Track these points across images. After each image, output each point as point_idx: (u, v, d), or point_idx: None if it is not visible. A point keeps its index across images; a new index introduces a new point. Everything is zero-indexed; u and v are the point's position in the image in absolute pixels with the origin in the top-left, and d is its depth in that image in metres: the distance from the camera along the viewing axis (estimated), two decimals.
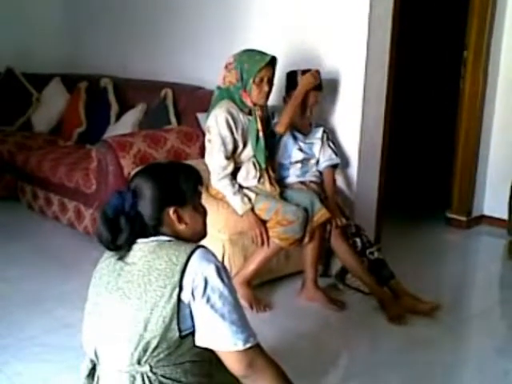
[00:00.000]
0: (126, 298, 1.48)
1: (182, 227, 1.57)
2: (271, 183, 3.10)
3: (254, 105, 3.03)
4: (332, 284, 3.21)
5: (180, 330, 1.44)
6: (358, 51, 3.39)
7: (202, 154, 3.46)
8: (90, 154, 3.73)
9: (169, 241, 1.54)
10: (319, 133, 3.38)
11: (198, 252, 1.49)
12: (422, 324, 2.81)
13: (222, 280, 1.45)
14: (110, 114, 4.50)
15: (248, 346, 1.46)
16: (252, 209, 2.97)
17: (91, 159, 3.66)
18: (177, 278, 1.44)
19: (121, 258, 1.55)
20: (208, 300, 1.43)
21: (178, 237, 1.57)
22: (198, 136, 3.79)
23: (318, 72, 3.21)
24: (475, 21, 4.06)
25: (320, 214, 2.95)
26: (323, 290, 3.04)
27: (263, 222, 2.96)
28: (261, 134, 3.05)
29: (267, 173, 3.11)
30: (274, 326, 2.75)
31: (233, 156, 3.02)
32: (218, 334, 1.43)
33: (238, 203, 2.98)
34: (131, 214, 1.52)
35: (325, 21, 3.52)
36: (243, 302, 2.90)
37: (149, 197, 1.53)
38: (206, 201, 3.06)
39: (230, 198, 3.00)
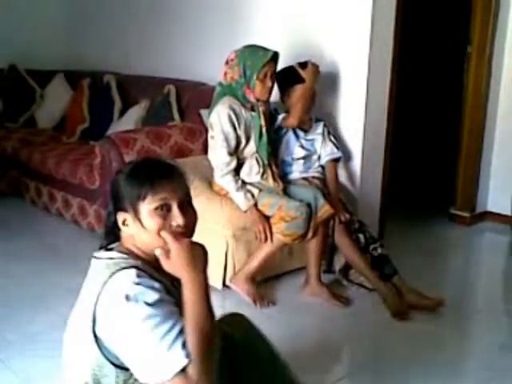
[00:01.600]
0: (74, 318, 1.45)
1: (128, 234, 1.44)
2: (274, 179, 3.10)
3: (257, 100, 3.03)
4: (335, 280, 3.21)
5: (111, 362, 1.33)
6: (360, 44, 3.38)
7: (205, 150, 3.46)
8: (93, 151, 3.74)
9: (114, 258, 1.41)
10: (320, 128, 3.37)
11: (116, 277, 1.33)
12: (426, 320, 2.81)
13: (136, 304, 1.28)
14: (113, 111, 4.50)
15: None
16: (255, 205, 2.98)
17: (95, 155, 3.66)
18: (92, 303, 1.34)
19: (93, 255, 1.48)
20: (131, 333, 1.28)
21: (135, 250, 1.44)
22: (201, 132, 3.79)
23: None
24: (479, 15, 4.04)
25: (323, 209, 2.95)
26: (327, 285, 3.04)
27: (266, 218, 2.96)
28: (264, 129, 3.05)
29: (270, 168, 3.11)
30: (278, 321, 2.76)
31: (236, 152, 3.02)
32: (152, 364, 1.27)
33: (241, 199, 2.98)
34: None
35: (327, 13, 3.51)
36: (247, 298, 2.90)
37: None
38: (209, 197, 3.10)
39: (234, 194, 3.00)
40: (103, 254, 1.45)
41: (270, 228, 2.93)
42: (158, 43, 4.74)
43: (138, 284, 1.30)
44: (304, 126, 3.33)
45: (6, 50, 5.24)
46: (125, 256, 1.42)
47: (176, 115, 4.06)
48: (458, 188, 4.33)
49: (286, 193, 3.08)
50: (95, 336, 1.32)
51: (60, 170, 4.02)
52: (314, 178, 3.32)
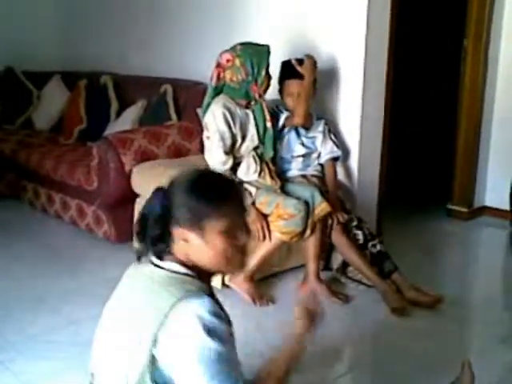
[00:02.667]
0: (121, 324, 1.38)
1: (189, 249, 1.40)
2: (272, 177, 3.11)
3: (260, 96, 3.05)
4: (334, 277, 3.21)
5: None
6: (356, 39, 3.38)
7: (202, 149, 3.45)
8: (90, 152, 3.74)
9: (176, 272, 1.38)
10: (321, 126, 3.38)
11: (188, 303, 1.29)
12: (425, 316, 2.82)
13: (213, 340, 1.25)
14: (110, 111, 4.50)
15: None
16: (253, 203, 2.98)
17: (92, 156, 3.66)
18: (153, 329, 1.27)
19: (139, 259, 1.44)
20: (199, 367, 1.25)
21: (192, 262, 1.41)
22: (198, 131, 3.78)
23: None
24: (474, 8, 4.05)
25: (321, 207, 2.96)
26: (326, 283, 3.05)
27: (264, 216, 2.96)
28: (269, 124, 3.07)
29: (268, 166, 3.12)
30: (277, 319, 2.76)
31: (232, 151, 3.03)
32: None
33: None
34: (159, 217, 1.40)
35: (323, 11, 3.51)
36: (246, 297, 2.91)
37: (171, 207, 1.40)
38: None
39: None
40: (161, 262, 1.41)
41: (268, 226, 2.94)
42: (154, 43, 4.74)
43: (213, 316, 1.28)
44: (305, 124, 3.33)
45: (2, 52, 5.24)
46: (187, 272, 1.39)
47: (173, 115, 4.06)
48: (456, 183, 4.34)
49: (283, 191, 3.08)
50: (152, 356, 1.28)
51: (58, 171, 4.01)
52: (312, 176, 3.32)
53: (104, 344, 1.42)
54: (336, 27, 3.47)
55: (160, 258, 1.43)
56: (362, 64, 3.38)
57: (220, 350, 1.25)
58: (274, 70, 3.18)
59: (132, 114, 4.28)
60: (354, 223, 3.13)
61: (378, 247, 3.09)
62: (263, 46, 3.04)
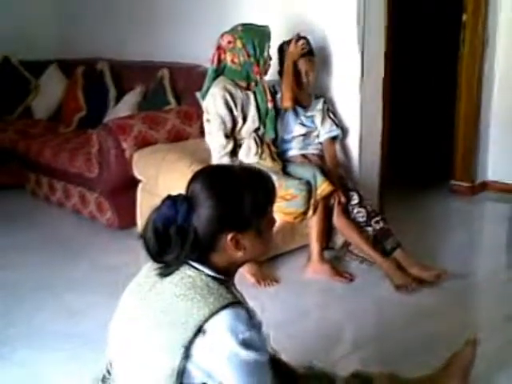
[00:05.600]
0: (148, 322, 1.31)
1: (238, 254, 1.34)
2: (273, 158, 3.10)
3: (261, 77, 3.05)
4: (337, 256, 3.22)
5: None
6: (352, 18, 3.34)
7: (202, 133, 3.45)
8: (90, 139, 3.73)
9: (211, 277, 1.31)
10: (320, 104, 3.36)
11: (225, 314, 1.24)
12: (429, 292, 2.82)
13: (246, 355, 1.22)
14: (108, 98, 4.49)
15: None
16: None
17: (92, 143, 3.66)
18: (187, 338, 1.23)
19: (161, 275, 1.34)
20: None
21: (229, 265, 1.37)
22: (198, 115, 3.76)
23: (302, 38, 3.20)
24: None
25: (323, 186, 2.96)
26: (329, 262, 3.05)
27: None
28: (270, 104, 3.06)
29: (268, 148, 3.11)
30: (281, 300, 2.77)
31: (232, 134, 3.02)
32: None
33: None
34: (184, 227, 1.29)
35: None
36: (250, 278, 2.91)
37: (206, 215, 1.30)
38: None
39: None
40: (193, 263, 1.33)
41: None
42: (150, 27, 4.69)
43: (249, 327, 1.24)
44: (303, 103, 3.31)
45: None
46: (221, 277, 1.33)
47: (171, 99, 4.05)
48: (457, 159, 4.32)
49: (285, 171, 3.08)
50: (183, 367, 1.24)
51: (59, 159, 4.01)
52: (313, 154, 3.32)
53: (125, 337, 1.36)
54: (332, 5, 3.43)
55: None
56: (360, 41, 3.35)
57: (257, 358, 1.24)
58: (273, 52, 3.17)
59: (131, 100, 4.27)
60: (356, 201, 3.12)
61: (381, 224, 3.09)
62: (264, 26, 3.03)
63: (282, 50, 3.26)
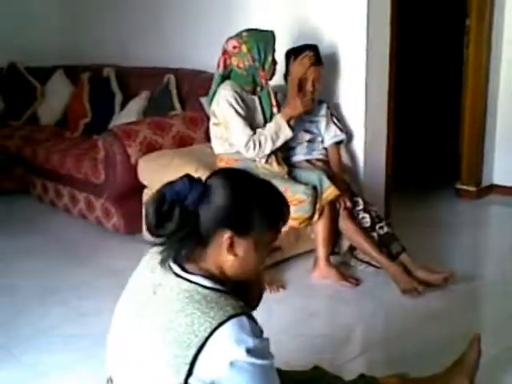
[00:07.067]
0: (150, 332, 1.27)
1: (229, 258, 1.30)
2: (279, 163, 3.10)
3: (266, 82, 3.05)
4: (343, 261, 3.21)
5: None
6: (358, 23, 3.35)
7: (207, 138, 3.46)
8: (96, 145, 3.74)
9: (207, 288, 1.26)
10: (323, 109, 3.37)
11: (228, 327, 1.19)
12: (436, 295, 2.82)
13: (253, 363, 1.19)
14: (114, 103, 4.50)
15: None
16: None
17: (98, 149, 3.67)
18: (190, 356, 1.19)
19: (162, 262, 1.32)
20: None
21: (218, 270, 1.32)
22: (203, 120, 3.78)
23: (311, 49, 3.18)
24: None
25: (329, 191, 2.96)
26: (335, 267, 3.05)
27: None
28: (275, 110, 3.07)
29: (274, 153, 3.11)
30: (288, 305, 2.77)
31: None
32: None
33: (282, 132, 2.99)
34: (189, 209, 1.27)
35: None
36: None
37: (215, 204, 1.27)
38: None
39: (275, 137, 2.98)
40: (190, 276, 1.28)
41: None
42: (155, 33, 4.72)
43: (254, 336, 1.21)
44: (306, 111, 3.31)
45: (4, 49, 5.23)
46: (219, 287, 1.28)
47: (177, 104, 4.07)
48: (463, 162, 4.32)
49: (290, 176, 3.08)
50: (188, 375, 1.20)
51: (65, 165, 4.03)
52: (318, 160, 3.32)
53: (125, 352, 1.32)
54: (338, 10, 3.44)
55: (180, 264, 1.32)
56: (364, 46, 3.35)
57: (264, 364, 1.22)
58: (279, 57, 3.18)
59: (136, 106, 4.28)
60: (361, 206, 3.12)
61: (386, 229, 3.08)
62: (269, 31, 3.05)
63: (288, 56, 3.25)
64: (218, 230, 1.29)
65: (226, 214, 1.28)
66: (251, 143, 2.96)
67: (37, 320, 2.69)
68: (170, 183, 1.30)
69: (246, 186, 1.33)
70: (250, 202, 1.31)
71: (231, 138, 3.03)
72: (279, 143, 3.02)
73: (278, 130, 2.99)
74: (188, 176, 1.31)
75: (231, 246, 1.29)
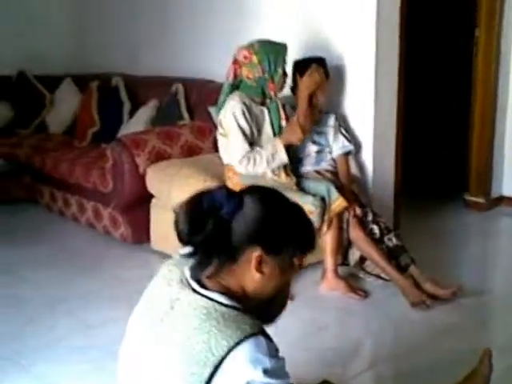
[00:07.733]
0: (166, 347, 1.24)
1: (256, 276, 1.28)
2: (287, 174, 3.10)
3: (275, 94, 3.05)
4: (352, 273, 3.20)
5: None
6: (367, 34, 3.36)
7: (215, 148, 3.46)
8: (105, 154, 3.75)
9: (225, 305, 1.24)
10: (331, 120, 3.36)
11: (245, 346, 1.17)
12: (445, 309, 2.80)
13: (272, 379, 1.16)
14: (122, 112, 4.51)
15: None
16: None
17: (106, 158, 3.68)
18: (206, 374, 1.16)
19: (192, 276, 1.29)
20: None
21: (240, 290, 1.30)
22: (211, 130, 3.78)
23: (319, 64, 3.15)
24: None
25: (337, 202, 2.95)
26: (344, 278, 3.04)
27: None
28: (284, 122, 3.06)
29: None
30: (296, 316, 2.75)
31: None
32: None
33: (278, 155, 2.96)
34: (223, 219, 1.25)
35: (333, 5, 3.49)
36: None
37: (249, 218, 1.26)
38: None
39: (271, 159, 2.96)
40: (210, 293, 1.26)
41: None
42: (164, 42, 4.73)
43: (270, 356, 1.19)
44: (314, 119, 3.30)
45: (13, 57, 5.26)
46: (237, 305, 1.26)
47: (185, 114, 4.07)
48: (472, 174, 4.30)
49: (299, 187, 3.08)
50: None
51: (73, 174, 4.04)
52: (326, 171, 3.31)
53: (139, 366, 1.30)
54: (347, 21, 3.44)
55: (197, 279, 1.29)
56: (373, 57, 3.36)
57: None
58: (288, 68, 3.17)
59: (144, 115, 4.29)
60: (370, 218, 3.11)
61: (395, 241, 3.07)
62: (281, 44, 3.04)
63: (295, 68, 3.24)
64: (250, 246, 1.27)
65: (259, 230, 1.27)
66: (245, 159, 2.95)
67: (45, 331, 2.68)
68: (208, 191, 1.29)
69: (280, 206, 1.33)
70: (284, 223, 1.30)
71: (228, 149, 3.04)
72: (274, 165, 3.00)
73: (274, 152, 2.97)
74: (225, 187, 1.31)
75: (259, 265, 1.27)
